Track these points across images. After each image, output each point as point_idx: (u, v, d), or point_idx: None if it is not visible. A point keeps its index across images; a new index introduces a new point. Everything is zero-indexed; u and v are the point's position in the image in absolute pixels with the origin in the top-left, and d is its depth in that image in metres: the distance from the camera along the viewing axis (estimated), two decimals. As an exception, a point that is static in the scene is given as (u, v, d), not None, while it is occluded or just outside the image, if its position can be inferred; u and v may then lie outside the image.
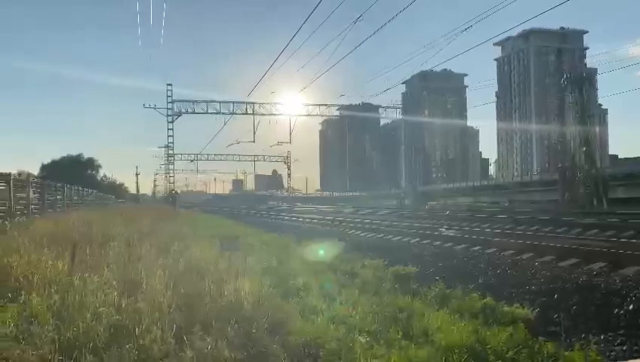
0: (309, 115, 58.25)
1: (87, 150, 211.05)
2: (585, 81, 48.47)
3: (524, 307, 5.92)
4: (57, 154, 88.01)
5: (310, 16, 16.67)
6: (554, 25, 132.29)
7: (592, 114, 49.86)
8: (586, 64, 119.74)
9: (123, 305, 4.59)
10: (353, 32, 21.92)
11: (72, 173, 58.09)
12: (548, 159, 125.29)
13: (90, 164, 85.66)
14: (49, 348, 3.68)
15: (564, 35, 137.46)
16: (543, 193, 55.64)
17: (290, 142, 61.89)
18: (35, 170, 71.84)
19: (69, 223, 13.17)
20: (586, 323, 5.50)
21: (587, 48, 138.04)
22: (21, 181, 19.53)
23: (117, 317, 4.29)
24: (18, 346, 3.67)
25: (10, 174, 17.52)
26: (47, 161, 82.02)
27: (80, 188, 34.02)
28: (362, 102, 73.97)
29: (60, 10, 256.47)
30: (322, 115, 62.27)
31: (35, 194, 20.45)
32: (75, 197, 30.82)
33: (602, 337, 5.09)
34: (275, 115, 55.80)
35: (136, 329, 4.01)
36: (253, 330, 4.18)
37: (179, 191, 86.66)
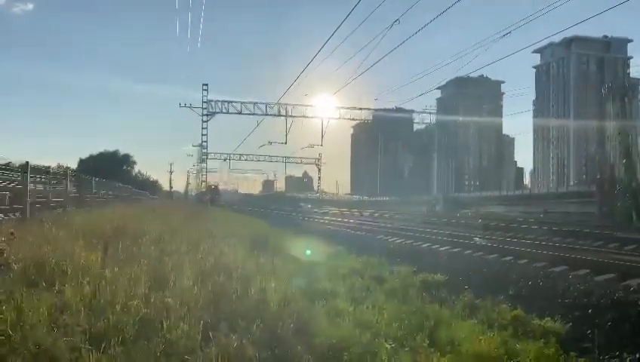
0: (341, 117, 58.35)
1: (124, 147, 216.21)
2: (628, 90, 47.01)
3: (555, 320, 5.76)
4: (95, 151, 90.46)
5: (346, 20, 16.70)
6: (597, 33, 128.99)
7: (634, 125, 48.23)
8: (629, 74, 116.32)
9: (152, 299, 4.67)
10: (388, 35, 21.80)
11: (108, 169, 59.64)
12: (585, 170, 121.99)
13: (126, 160, 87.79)
14: (80, 337, 3.77)
15: (607, 44, 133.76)
16: (579, 205, 54.07)
17: (322, 145, 62.13)
18: (74, 166, 74.02)
19: (104, 217, 13.50)
20: (620, 340, 5.32)
21: (631, 57, 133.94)
22: (59, 174, 20.14)
23: (145, 310, 4.36)
24: (50, 335, 3.76)
25: (49, 167, 18.08)
26: (84, 156, 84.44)
27: (115, 183, 34.84)
28: (396, 107, 73.69)
29: (107, 22, 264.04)
30: (354, 119, 62.28)
31: (72, 187, 21.04)
32: (111, 192, 31.58)
33: (637, 356, 4.90)
34: (307, 117, 56.09)
35: (164, 324, 4.07)
36: (279, 330, 4.19)
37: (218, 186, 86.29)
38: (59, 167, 25.22)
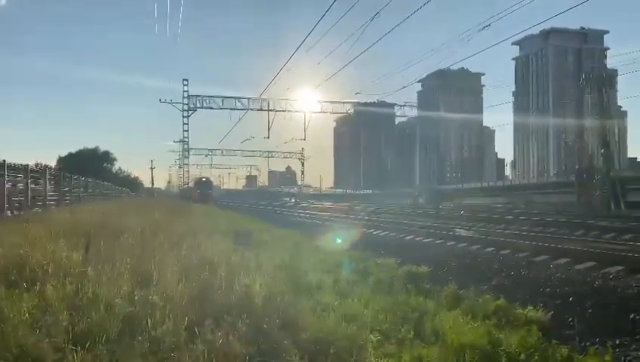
0: (323, 111, 58.25)
1: (104, 143, 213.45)
2: (604, 81, 47.77)
3: (538, 309, 5.85)
4: (74, 148, 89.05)
5: (326, 14, 16.65)
6: (574, 25, 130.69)
7: (611, 115, 49.03)
8: (606, 65, 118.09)
9: (136, 297, 4.62)
10: (370, 29, 21.82)
11: (87, 166, 58.73)
12: (565, 161, 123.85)
13: (106, 157, 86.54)
14: (63, 337, 3.72)
15: (585, 35, 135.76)
16: (559, 195, 54.95)
17: (305, 139, 61.99)
18: (52, 162, 72.85)
19: (85, 215, 13.32)
20: (601, 327, 5.42)
21: (608, 49, 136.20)
22: (38, 172, 19.80)
23: (130, 308, 4.32)
24: (33, 335, 3.71)
25: (27, 166, 17.76)
26: (63, 153, 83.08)
27: (95, 181, 34.40)
28: (378, 100, 73.83)
29: (77, 10, 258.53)
30: (337, 113, 62.27)
31: (51, 185, 20.72)
32: (90, 190, 31.17)
33: (618, 342, 5.00)
34: (289, 111, 55.88)
35: (149, 321, 4.04)
36: (265, 325, 4.18)
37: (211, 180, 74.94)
38: (37, 165, 24.79)
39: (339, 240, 12.84)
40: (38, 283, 4.97)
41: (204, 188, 59.09)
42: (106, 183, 41.61)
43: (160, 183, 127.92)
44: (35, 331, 3.82)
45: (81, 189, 27.44)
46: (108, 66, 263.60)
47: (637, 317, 5.49)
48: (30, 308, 4.22)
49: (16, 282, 5.09)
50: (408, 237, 15.26)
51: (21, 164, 17.37)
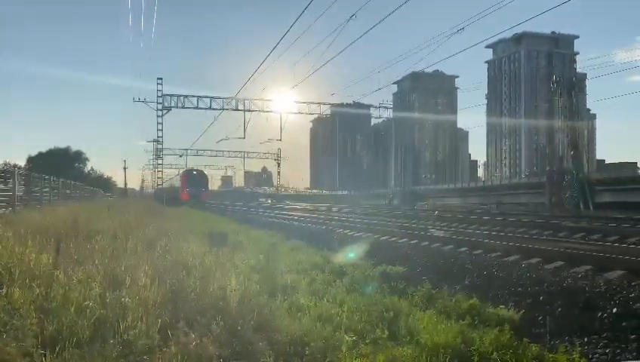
0: (299, 112, 58.17)
1: (75, 143, 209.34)
2: (574, 85, 48.98)
3: (509, 309, 5.95)
4: (45, 147, 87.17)
5: (302, 15, 16.67)
6: (546, 29, 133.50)
7: (580, 118, 50.25)
8: (575, 69, 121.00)
9: (108, 300, 4.54)
10: (345, 30, 21.91)
11: (59, 166, 57.59)
12: (536, 162, 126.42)
13: (78, 157, 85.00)
14: (31, 341, 3.63)
15: (556, 40, 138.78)
16: (530, 196, 56.06)
17: (281, 140, 61.79)
18: (22, 162, 71.14)
19: (55, 216, 13.03)
20: (570, 325, 5.54)
21: (577, 53, 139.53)
22: (6, 172, 19.31)
23: (101, 311, 4.24)
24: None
25: (-5, 165, 17.29)
26: (34, 153, 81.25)
27: (67, 181, 33.69)
28: (353, 101, 74.27)
29: (47, 6, 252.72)
30: (313, 113, 62.15)
31: (20, 186, 20.22)
32: (62, 190, 30.52)
33: (586, 340, 5.12)
34: (265, 111, 55.64)
35: (121, 324, 3.97)
36: (239, 327, 4.15)
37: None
38: (6, 164, 24.18)
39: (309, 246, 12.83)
40: (5, 287, 4.85)
41: (195, 184, 45.24)
42: (77, 183, 40.75)
43: (134, 183, 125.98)
44: (2, 335, 3.72)
45: (53, 190, 26.84)
46: (81, 65, 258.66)
47: (604, 316, 5.63)
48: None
49: (-18, 285, 4.94)
50: (383, 238, 15.34)
51: (-12, 164, 16.92)
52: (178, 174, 58.86)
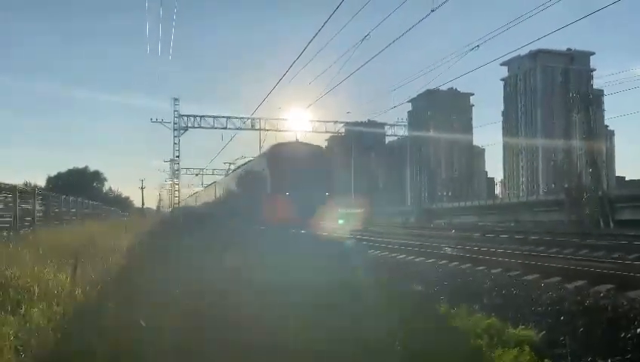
0: (314, 131, 58.40)
1: (94, 163, 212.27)
2: (591, 101, 48.49)
3: (529, 328, 5.83)
4: (64, 167, 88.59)
5: (318, 34, 16.85)
6: (562, 46, 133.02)
7: (598, 134, 49.69)
8: (592, 85, 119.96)
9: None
10: (360, 49, 22.04)
11: (77, 186, 58.41)
12: (554, 179, 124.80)
13: (96, 177, 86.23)
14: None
15: (571, 56, 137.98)
16: (548, 213, 55.31)
17: (297, 158, 61.63)
18: (42, 182, 72.29)
19: (73, 235, 13.18)
20: (591, 345, 5.41)
21: (594, 70, 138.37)
22: (27, 193, 19.61)
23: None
24: (17, 359, 3.63)
25: (15, 186, 17.58)
26: (53, 173, 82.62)
27: (85, 201, 34.12)
28: (368, 120, 74.36)
29: (66, 29, 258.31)
30: (328, 132, 62.43)
31: (40, 206, 20.50)
32: (80, 210, 30.90)
33: (609, 361, 4.99)
34: (280, 130, 55.95)
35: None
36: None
37: None
38: (26, 184, 24.60)
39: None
40: (24, 306, 4.88)
41: (308, 181, 20.81)
42: (95, 203, 41.25)
43: (151, 203, 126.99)
44: (20, 354, 3.74)
45: (72, 209, 27.19)
46: (98, 86, 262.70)
47: (628, 336, 5.49)
48: (15, 331, 4.14)
49: (2, 304, 4.99)
50: (400, 256, 15.22)
51: (9, 184, 17.17)
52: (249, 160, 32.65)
